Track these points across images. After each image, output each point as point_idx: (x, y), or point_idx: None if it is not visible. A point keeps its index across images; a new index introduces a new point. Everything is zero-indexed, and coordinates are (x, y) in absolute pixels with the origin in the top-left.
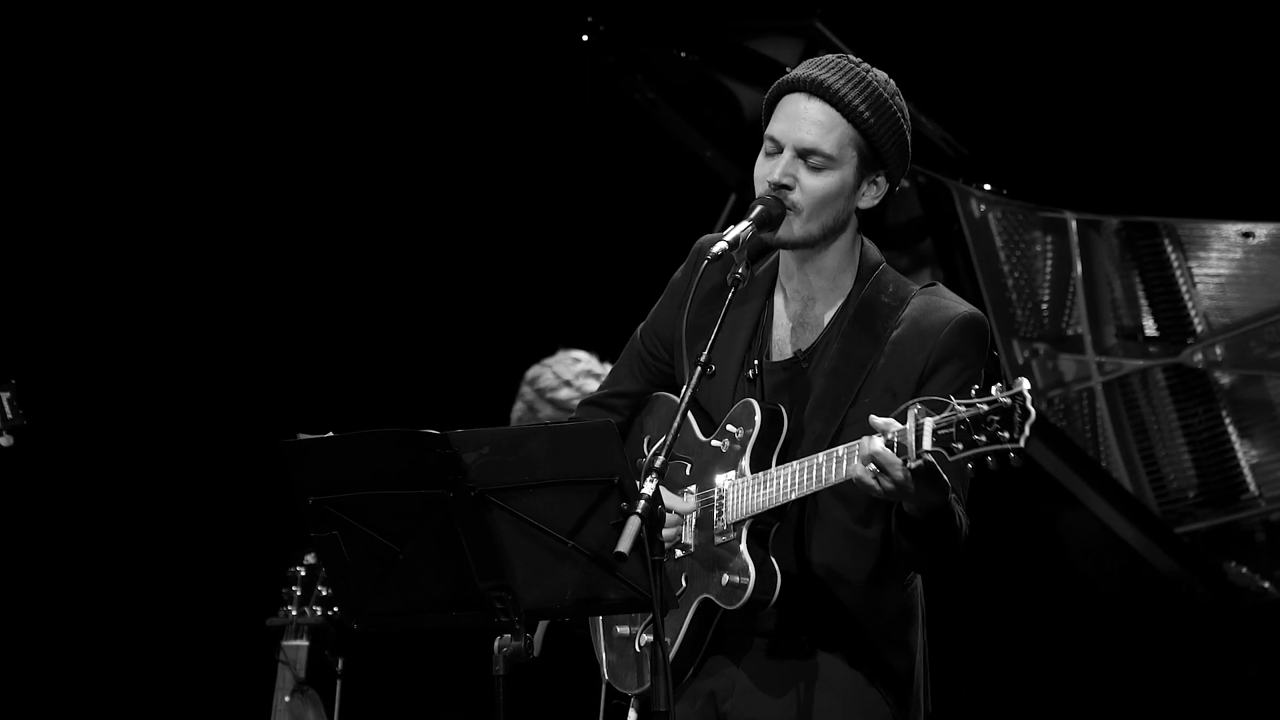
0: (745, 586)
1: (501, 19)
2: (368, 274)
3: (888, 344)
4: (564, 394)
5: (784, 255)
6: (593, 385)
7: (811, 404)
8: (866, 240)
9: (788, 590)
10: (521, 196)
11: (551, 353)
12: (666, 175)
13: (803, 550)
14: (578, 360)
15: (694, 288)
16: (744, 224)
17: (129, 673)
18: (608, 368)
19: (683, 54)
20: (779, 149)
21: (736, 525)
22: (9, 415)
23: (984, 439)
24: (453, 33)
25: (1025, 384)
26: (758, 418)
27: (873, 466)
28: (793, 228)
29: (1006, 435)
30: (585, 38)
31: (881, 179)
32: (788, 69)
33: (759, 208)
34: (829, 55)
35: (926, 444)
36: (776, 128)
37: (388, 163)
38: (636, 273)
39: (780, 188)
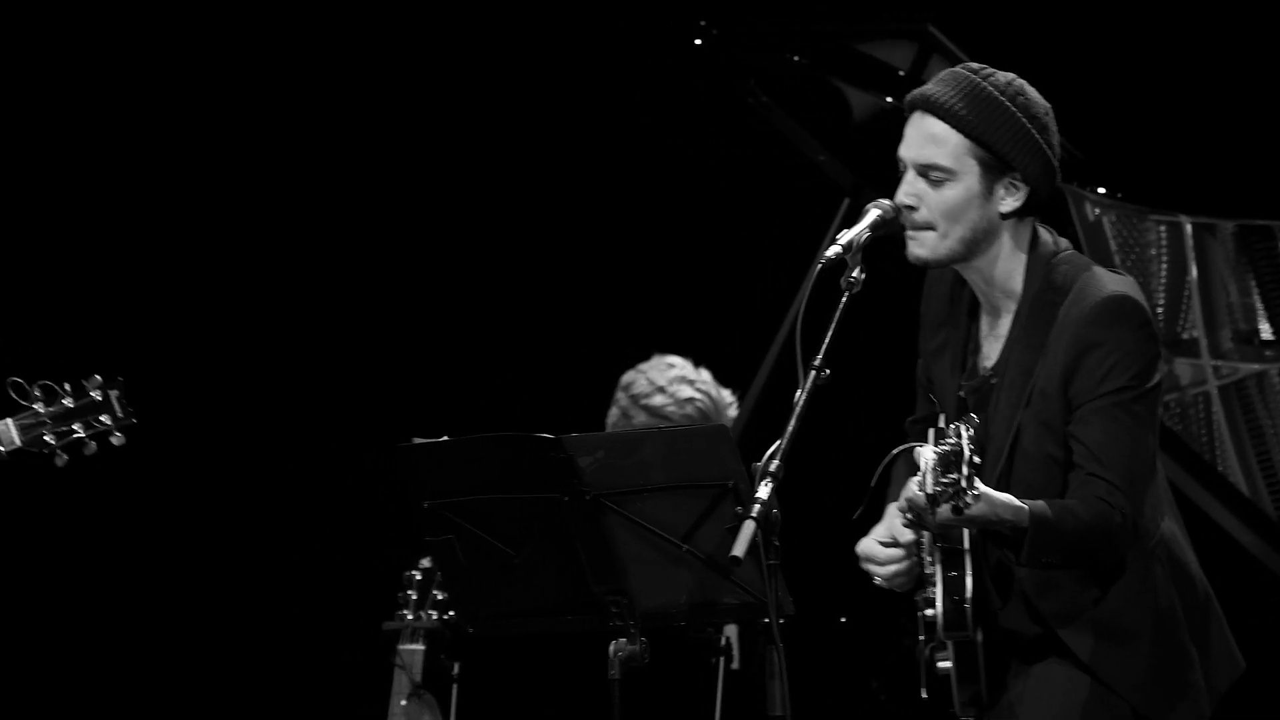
0: (936, 618)
1: (612, 23)
2: (481, 278)
3: (1049, 342)
4: (657, 400)
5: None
6: (687, 391)
7: (996, 418)
8: (1042, 234)
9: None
10: (631, 200)
11: (648, 358)
12: (779, 179)
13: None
14: (671, 366)
15: (927, 312)
16: (858, 227)
17: (246, 675)
18: (703, 373)
19: (795, 58)
20: (905, 170)
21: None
22: (119, 414)
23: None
24: (568, 36)
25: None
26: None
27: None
28: (933, 246)
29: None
30: (698, 42)
31: (1018, 180)
32: (900, 72)
33: (874, 212)
34: (950, 69)
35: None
36: (900, 150)
37: (496, 167)
38: (749, 277)
39: (906, 209)
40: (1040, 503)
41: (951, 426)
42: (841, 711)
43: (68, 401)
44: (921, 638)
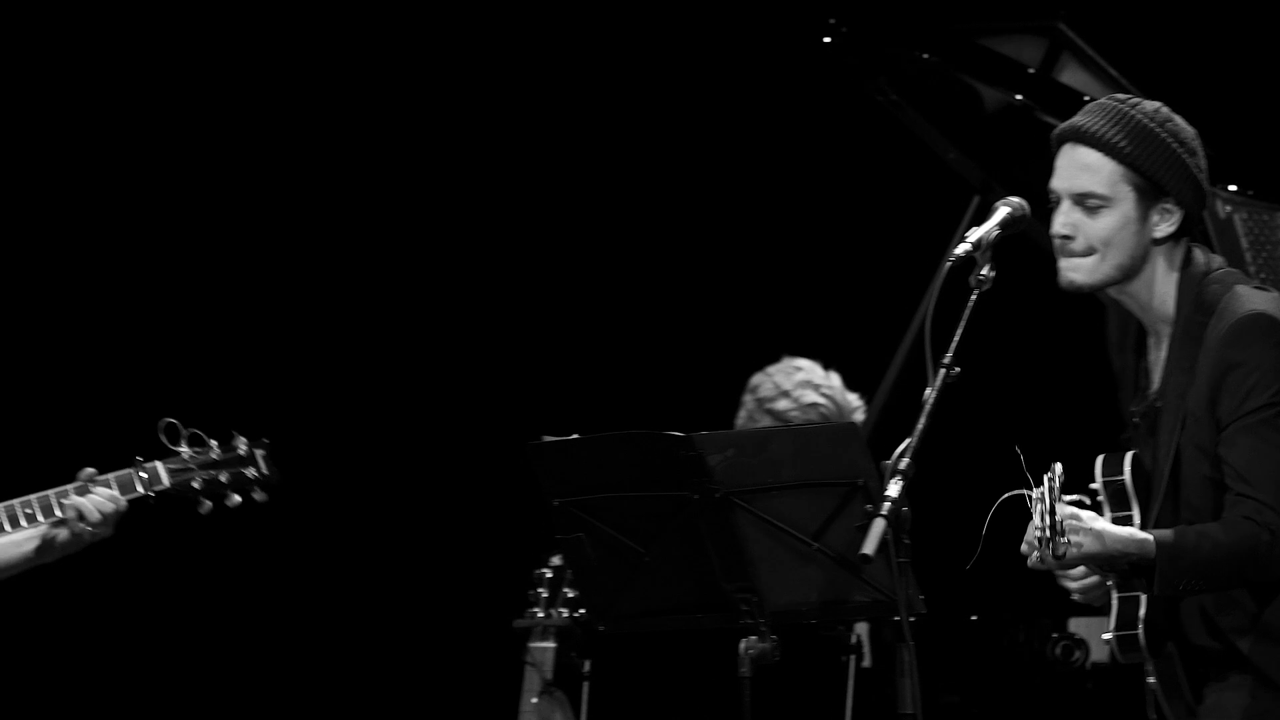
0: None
1: (739, 20)
2: (615, 276)
3: (1197, 365)
4: (781, 405)
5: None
6: (811, 396)
7: (1159, 443)
8: (1195, 255)
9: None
10: (761, 200)
11: (777, 360)
12: (908, 178)
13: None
14: (799, 369)
15: (1110, 339)
16: (988, 225)
17: (379, 673)
18: (833, 378)
19: (925, 55)
20: (1059, 202)
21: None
22: (265, 472)
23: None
24: (702, 34)
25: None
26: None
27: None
28: (1089, 271)
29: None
30: (827, 39)
31: (1171, 205)
32: (1030, 69)
33: (1004, 210)
34: (1096, 101)
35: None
36: (1053, 182)
37: (627, 165)
38: (880, 277)
39: (1063, 238)
40: (1170, 531)
41: (1047, 475)
42: (972, 710)
43: (214, 453)
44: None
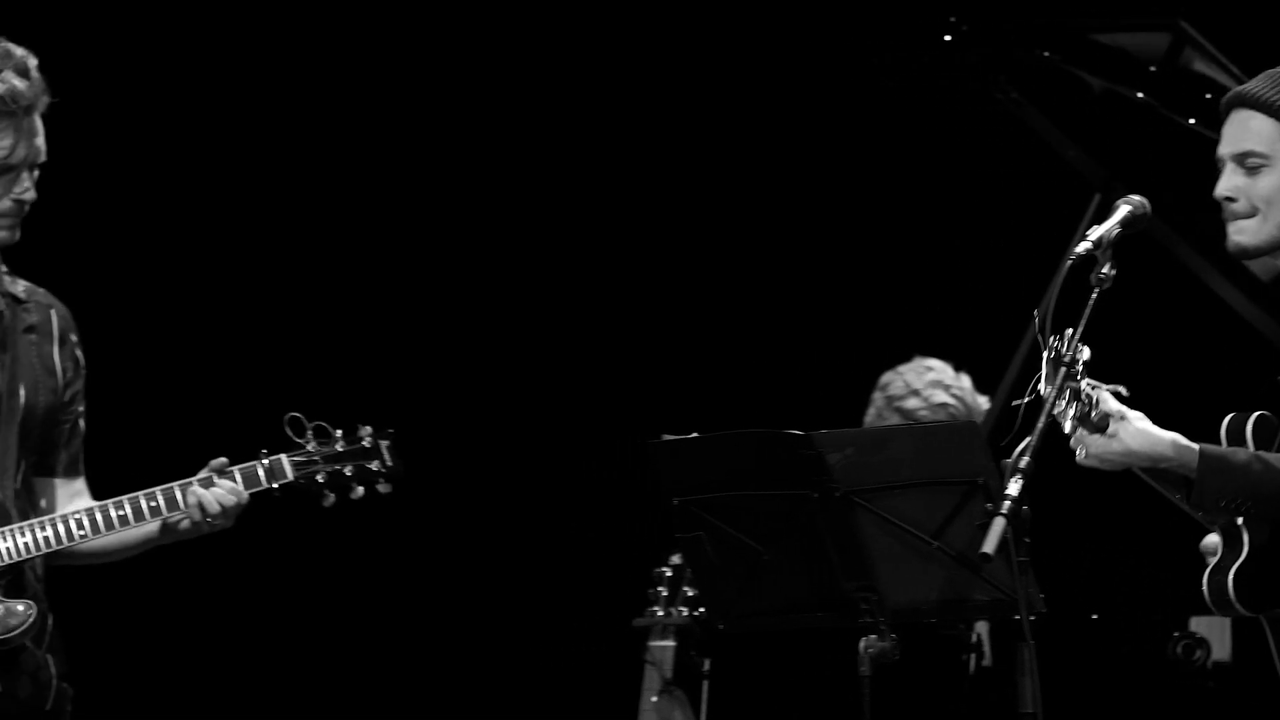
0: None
1: (858, 18)
2: (739, 275)
3: None
4: (911, 403)
5: None
6: (941, 396)
7: None
8: None
9: None
10: (884, 198)
11: (908, 359)
12: (1028, 175)
13: None
14: (929, 369)
15: None
16: (1109, 224)
17: (498, 671)
18: (963, 379)
19: (1045, 53)
20: (1223, 166)
21: None
22: (388, 463)
23: None
24: (822, 33)
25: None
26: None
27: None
28: (1254, 232)
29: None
30: (948, 37)
31: None
32: (1151, 67)
33: (1125, 208)
34: (1267, 70)
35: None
36: (1219, 149)
37: (757, 166)
38: (1002, 275)
39: (1226, 201)
40: (1223, 448)
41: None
42: (1091, 708)
43: (339, 445)
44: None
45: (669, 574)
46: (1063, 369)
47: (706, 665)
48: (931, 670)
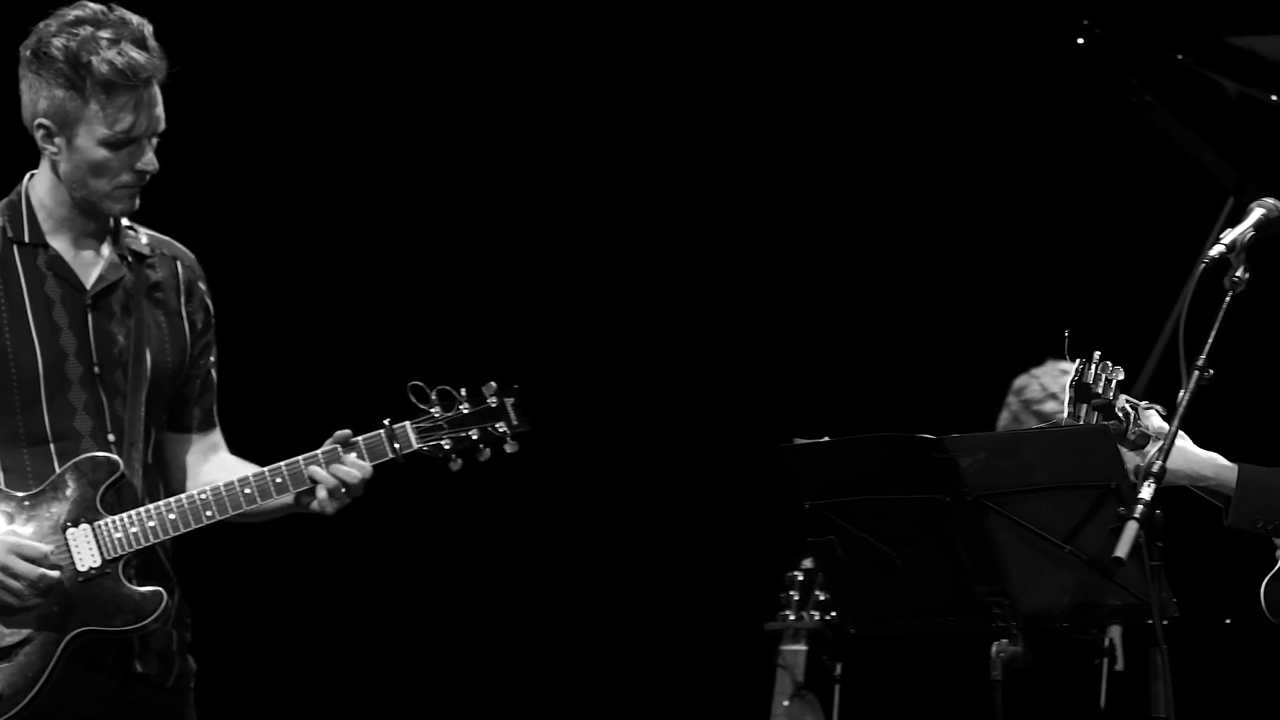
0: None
1: (989, 20)
2: (870, 277)
3: None
4: (1049, 407)
5: None
6: None
7: None
8: None
9: None
10: (1019, 201)
11: (1041, 362)
12: (1161, 178)
13: None
14: (1065, 372)
15: None
16: (1242, 226)
17: (629, 674)
18: None
19: (1179, 56)
20: None
21: None
22: (515, 421)
23: None
24: (958, 35)
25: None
26: None
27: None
28: None
29: None
30: (1080, 41)
31: None
32: None
33: (1259, 211)
34: None
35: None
36: None
37: (895, 172)
38: (1135, 279)
39: None
40: (1265, 468)
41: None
42: (1224, 713)
43: (464, 407)
44: None
45: (800, 578)
46: (1090, 394)
47: (838, 669)
48: (1064, 675)
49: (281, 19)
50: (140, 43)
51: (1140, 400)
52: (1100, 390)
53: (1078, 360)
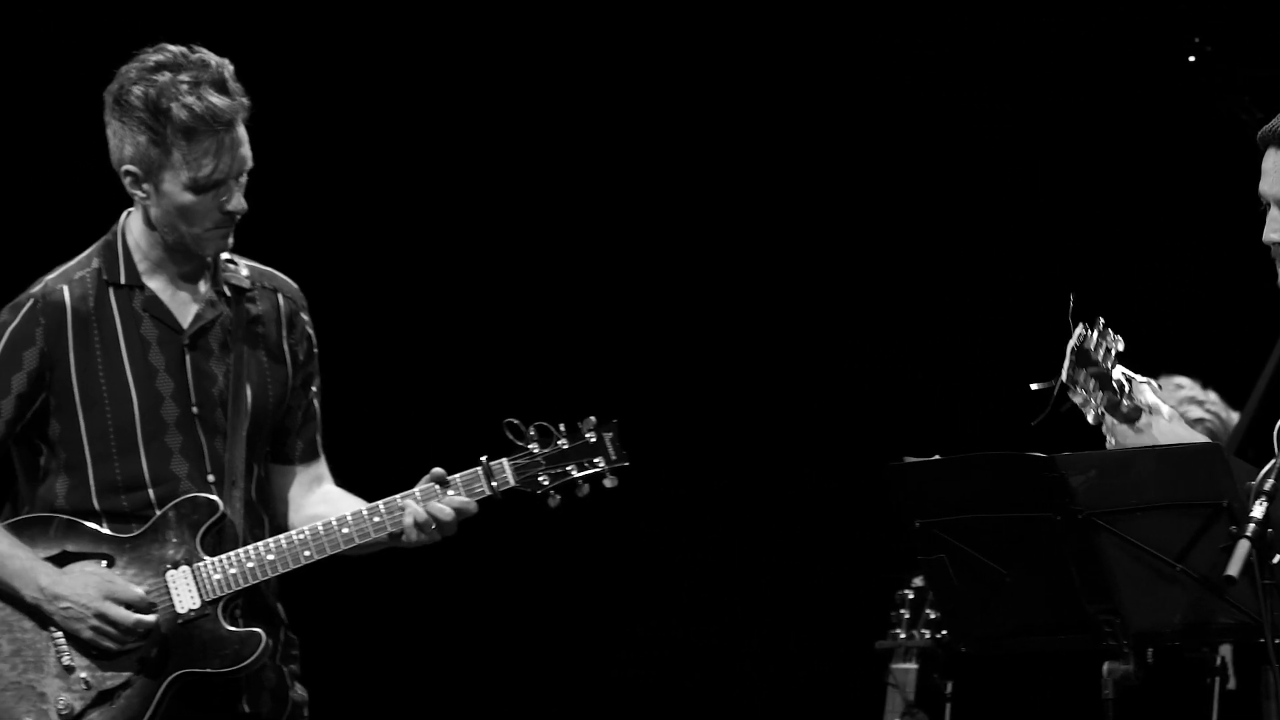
0: None
1: (1100, 42)
2: (971, 294)
3: None
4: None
5: None
6: (1196, 412)
7: None
8: None
9: None
10: (1135, 217)
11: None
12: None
13: None
14: (1180, 386)
15: None
16: None
17: (738, 694)
18: (1211, 394)
19: None
20: (1269, 208)
21: None
22: (613, 456)
23: None
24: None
25: None
26: None
27: None
28: None
29: None
30: (1191, 59)
31: None
32: None
33: None
34: None
35: None
36: (1261, 186)
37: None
38: (1247, 291)
39: (1276, 244)
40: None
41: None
42: None
43: (562, 443)
44: None
45: (911, 596)
46: (1089, 360)
47: (949, 688)
48: (1175, 694)
49: (382, 61)
50: (220, 85)
51: (1137, 375)
52: (1100, 358)
53: (1080, 324)
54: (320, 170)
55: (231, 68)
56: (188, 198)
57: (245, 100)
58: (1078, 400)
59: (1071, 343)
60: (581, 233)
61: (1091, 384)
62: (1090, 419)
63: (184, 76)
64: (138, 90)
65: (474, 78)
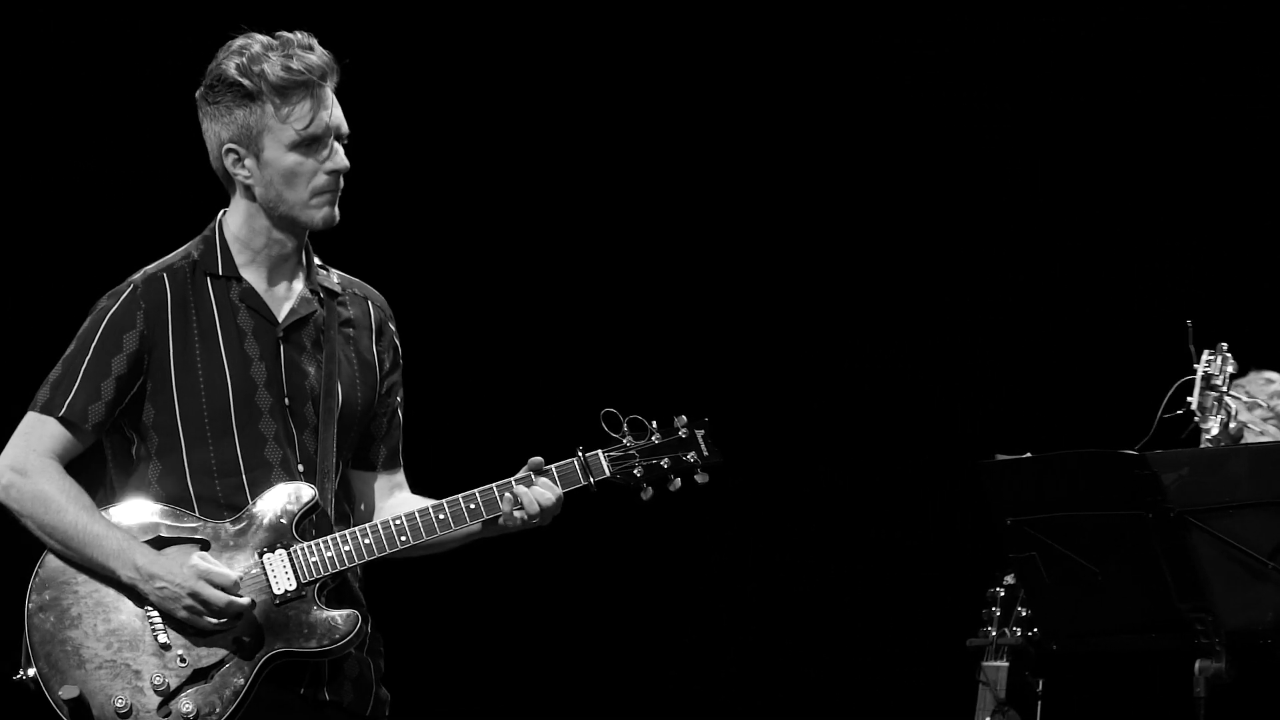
0: None
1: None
2: (1069, 290)
3: None
4: (1254, 415)
5: None
6: None
7: None
8: None
9: None
10: (1231, 211)
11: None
12: None
13: None
14: (1270, 381)
15: None
16: None
17: (828, 690)
18: None
19: None
20: None
21: None
22: (705, 453)
23: None
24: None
25: None
26: None
27: None
28: None
29: None
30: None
31: None
32: None
33: None
34: None
35: None
36: None
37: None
38: None
39: None
40: None
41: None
42: None
43: (655, 437)
44: None
45: (1002, 594)
46: (1212, 384)
47: (1040, 686)
48: (1267, 692)
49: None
50: (308, 47)
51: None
52: (1220, 382)
53: (1207, 351)
54: (396, 171)
55: (315, 40)
56: (291, 158)
57: (334, 63)
58: (1202, 422)
59: (1201, 369)
60: (672, 238)
61: (1215, 406)
62: (1208, 437)
63: (272, 44)
64: (229, 65)
65: (545, 73)
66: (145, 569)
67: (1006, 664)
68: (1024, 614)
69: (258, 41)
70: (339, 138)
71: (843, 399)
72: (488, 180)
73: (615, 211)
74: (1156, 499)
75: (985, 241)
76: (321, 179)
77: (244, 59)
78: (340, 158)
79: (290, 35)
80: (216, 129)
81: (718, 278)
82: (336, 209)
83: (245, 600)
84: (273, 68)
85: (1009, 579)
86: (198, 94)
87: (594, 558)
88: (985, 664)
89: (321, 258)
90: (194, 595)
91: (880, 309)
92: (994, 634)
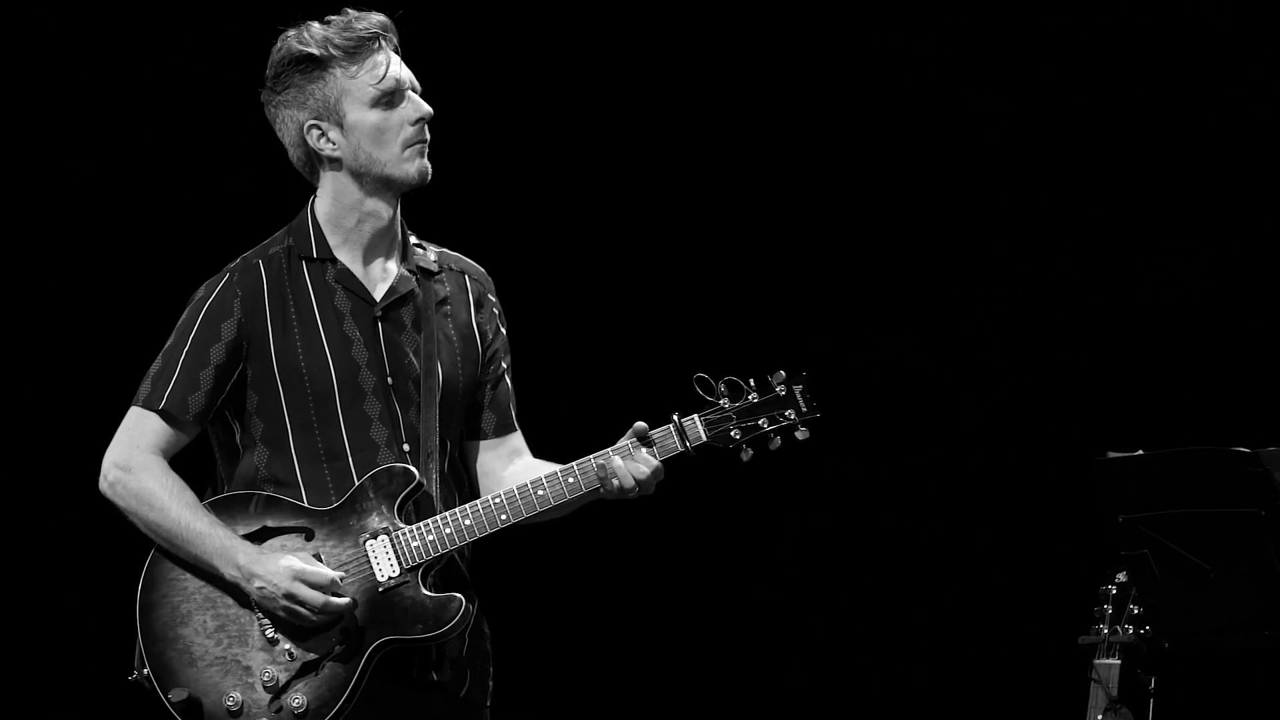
0: None
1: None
2: (1173, 284)
3: None
4: None
5: None
6: None
7: None
8: None
9: None
10: None
11: None
12: None
13: None
14: None
15: None
16: None
17: (941, 689)
18: None
19: None
20: None
21: None
22: (804, 409)
23: None
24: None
25: None
26: None
27: None
28: None
29: None
30: None
31: None
32: None
33: None
34: None
35: None
36: None
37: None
38: None
39: None
40: None
41: None
42: None
43: (752, 397)
44: None
45: (1114, 592)
46: None
47: (1153, 684)
48: None
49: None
50: (361, 14)
51: None
52: None
53: None
54: (490, 148)
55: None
56: (374, 115)
57: (394, 27)
58: None
59: None
60: (765, 200)
61: None
62: None
63: (326, 20)
64: (293, 46)
65: (666, 68)
66: (246, 568)
67: (1119, 662)
68: (1136, 611)
69: (313, 24)
70: (414, 89)
71: (954, 395)
72: (588, 154)
73: (712, 180)
74: (1270, 496)
75: (1111, 240)
76: (409, 130)
77: (306, 35)
78: (422, 105)
79: (345, 11)
80: (292, 113)
81: (807, 248)
82: (428, 162)
83: (344, 601)
84: (335, 36)
85: (1121, 576)
86: (262, 95)
87: (664, 539)
88: (1097, 662)
89: (418, 234)
90: (289, 596)
91: (987, 299)
92: (1106, 632)
